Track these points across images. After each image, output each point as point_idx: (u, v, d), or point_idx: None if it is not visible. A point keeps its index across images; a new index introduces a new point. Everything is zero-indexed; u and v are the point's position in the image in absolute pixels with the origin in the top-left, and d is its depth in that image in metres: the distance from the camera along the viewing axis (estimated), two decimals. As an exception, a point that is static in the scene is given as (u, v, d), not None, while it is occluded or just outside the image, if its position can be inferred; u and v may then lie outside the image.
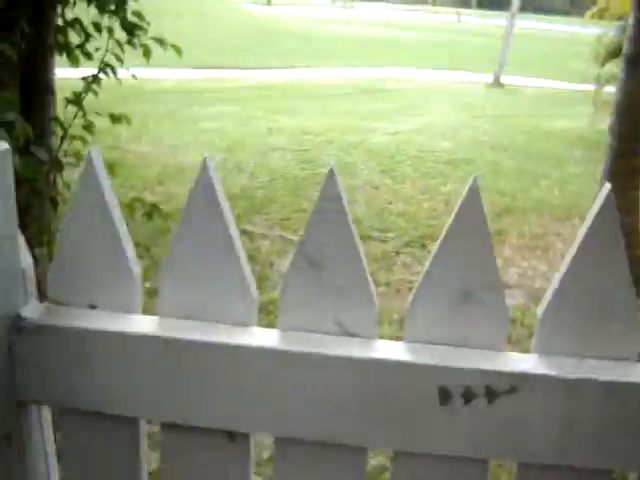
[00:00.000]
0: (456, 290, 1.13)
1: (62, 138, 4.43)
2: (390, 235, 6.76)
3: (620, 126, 5.36)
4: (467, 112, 15.40)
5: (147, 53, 4.46)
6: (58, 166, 4.19)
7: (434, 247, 1.14)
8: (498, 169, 9.86)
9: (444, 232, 1.13)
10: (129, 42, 4.40)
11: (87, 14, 4.54)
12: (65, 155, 4.45)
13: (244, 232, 6.62)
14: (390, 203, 7.85)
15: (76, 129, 4.53)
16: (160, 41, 4.33)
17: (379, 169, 9.38)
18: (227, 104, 14.84)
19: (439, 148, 10.97)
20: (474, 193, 1.11)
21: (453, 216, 1.12)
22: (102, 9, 4.25)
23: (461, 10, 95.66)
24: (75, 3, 4.55)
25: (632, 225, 5.58)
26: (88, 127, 4.45)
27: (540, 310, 1.15)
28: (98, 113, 4.50)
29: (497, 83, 21.34)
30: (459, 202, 1.12)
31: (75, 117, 4.47)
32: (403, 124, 13.17)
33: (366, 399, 1.11)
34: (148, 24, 4.44)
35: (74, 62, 4.65)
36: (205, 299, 1.19)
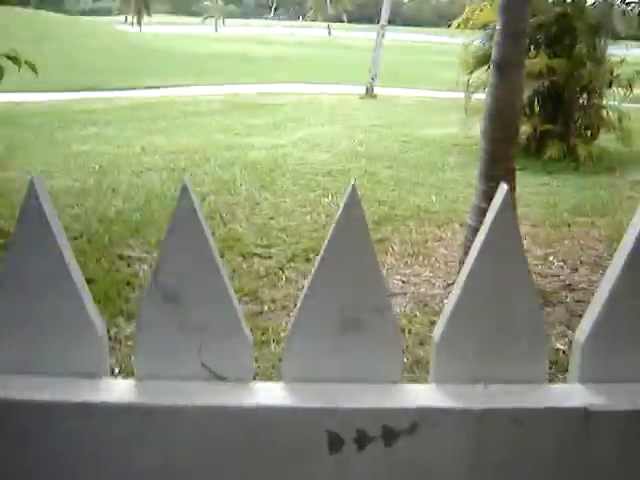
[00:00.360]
0: (338, 316, 0.98)
1: None
2: (273, 251, 6.61)
3: (493, 131, 5.42)
4: (342, 124, 15.49)
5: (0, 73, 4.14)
6: None
7: (311, 268, 0.99)
8: (375, 178, 9.90)
9: (322, 248, 0.98)
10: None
11: None
12: None
13: (120, 257, 6.34)
14: (272, 218, 7.71)
15: None
16: (13, 59, 4.02)
17: (258, 184, 9.24)
18: (100, 126, 14.39)
19: (317, 160, 10.94)
20: (353, 202, 0.97)
21: (332, 229, 0.97)
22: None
23: (332, 24, 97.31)
24: None
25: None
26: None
27: (436, 334, 1.01)
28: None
29: (370, 94, 21.65)
30: (338, 213, 0.97)
31: None
32: (280, 138, 13.10)
33: (245, 452, 0.94)
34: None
35: None
36: (44, 348, 0.99)
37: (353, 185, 0.98)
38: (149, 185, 9.12)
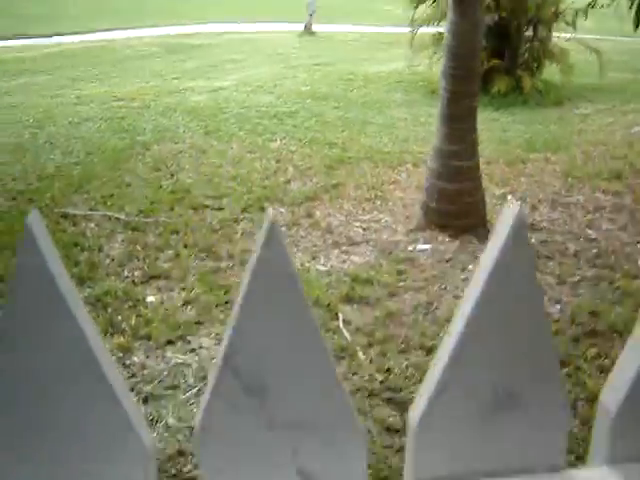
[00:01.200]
0: (489, 389, 0.77)
1: None
2: (225, 201, 6.34)
3: (454, 69, 5.20)
4: (283, 63, 15.07)
5: None
6: None
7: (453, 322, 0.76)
8: (323, 119, 9.63)
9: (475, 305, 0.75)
10: None
11: None
12: None
13: (64, 216, 6.01)
14: (220, 167, 7.41)
15: None
16: None
17: (202, 131, 8.88)
18: (30, 75, 13.72)
19: (261, 103, 10.59)
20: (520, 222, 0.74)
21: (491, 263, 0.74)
22: None
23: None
24: None
25: (473, 170, 5.49)
26: None
27: (610, 404, 0.79)
28: None
29: (309, 31, 21.14)
30: (497, 233, 0.75)
31: None
32: (220, 81, 12.67)
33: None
34: None
35: None
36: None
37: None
38: (87, 136, 8.69)
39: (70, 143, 8.36)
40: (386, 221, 5.87)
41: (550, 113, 10.35)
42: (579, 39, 11.89)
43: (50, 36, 21.04)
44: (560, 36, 11.98)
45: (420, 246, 5.26)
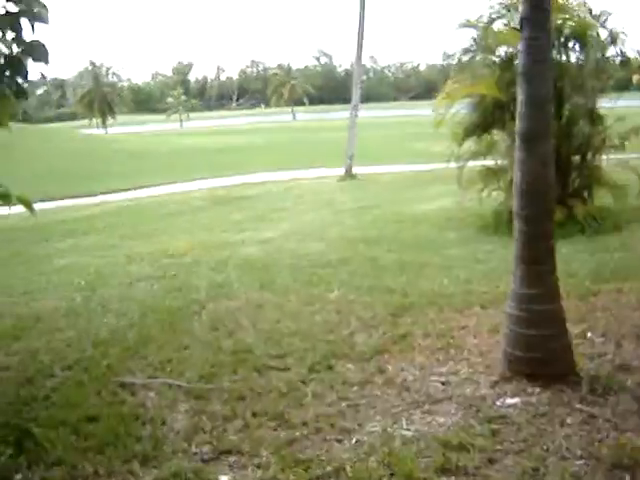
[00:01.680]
0: None
1: None
2: (289, 361, 5.99)
3: (527, 209, 4.95)
4: (328, 209, 15.10)
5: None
6: None
7: None
8: (378, 264, 9.40)
9: None
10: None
11: None
12: None
13: (122, 385, 5.70)
14: (279, 322, 7.11)
15: None
16: (4, 197, 3.51)
17: (257, 284, 8.66)
18: (79, 236, 13.86)
19: (312, 251, 10.44)
20: None
21: None
22: None
23: (296, 108, 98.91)
24: None
25: (556, 313, 5.12)
26: None
27: None
28: None
29: (349, 175, 21.38)
30: None
31: None
32: (268, 231, 12.64)
33: None
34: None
35: None
36: None
37: None
38: (140, 297, 8.52)
39: (123, 305, 8.18)
40: (465, 373, 5.46)
41: (611, 240, 10.02)
42: (626, 161, 11.74)
43: (97, 195, 21.58)
44: (609, 158, 11.81)
45: (509, 400, 4.84)
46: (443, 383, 5.30)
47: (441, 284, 8.18)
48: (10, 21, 2.98)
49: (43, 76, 3.08)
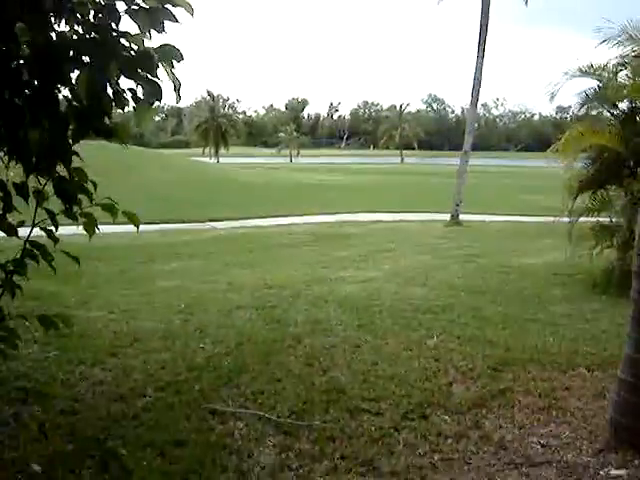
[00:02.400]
0: None
1: None
2: (383, 405, 5.83)
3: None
4: (432, 254, 14.87)
5: (91, 225, 3.56)
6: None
7: None
8: (481, 315, 9.12)
9: None
10: (66, 212, 3.49)
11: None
12: None
13: (213, 412, 5.67)
14: (375, 364, 6.96)
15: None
16: (110, 208, 3.48)
17: (356, 323, 8.53)
18: (185, 260, 14.09)
19: (414, 295, 10.24)
20: None
21: None
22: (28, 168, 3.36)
23: (404, 151, 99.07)
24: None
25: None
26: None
27: None
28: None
29: (456, 221, 21.09)
30: None
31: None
32: (370, 271, 12.51)
33: None
34: (94, 185, 3.54)
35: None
36: None
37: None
38: (238, 325, 8.53)
39: (220, 332, 8.19)
40: (567, 437, 5.17)
41: None
42: None
43: (204, 222, 21.98)
44: None
45: (614, 471, 4.54)
46: (543, 445, 5.05)
47: (545, 341, 7.86)
48: (150, 17, 2.91)
49: (176, 86, 2.85)
